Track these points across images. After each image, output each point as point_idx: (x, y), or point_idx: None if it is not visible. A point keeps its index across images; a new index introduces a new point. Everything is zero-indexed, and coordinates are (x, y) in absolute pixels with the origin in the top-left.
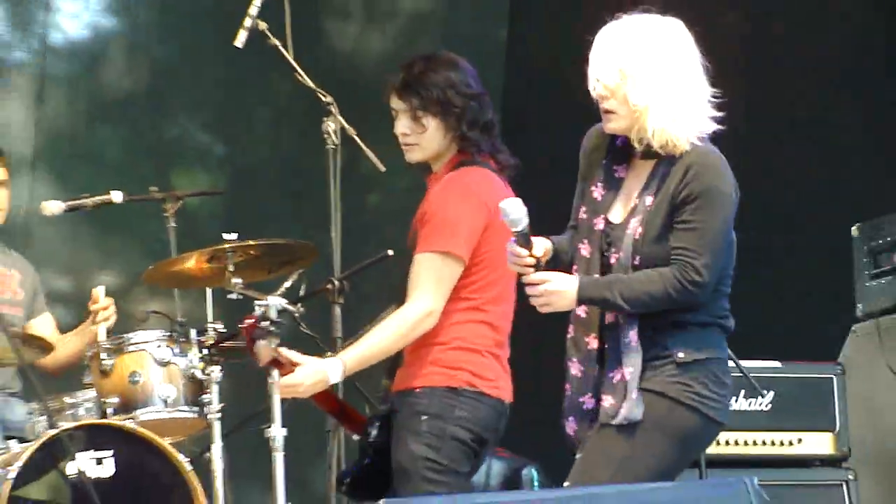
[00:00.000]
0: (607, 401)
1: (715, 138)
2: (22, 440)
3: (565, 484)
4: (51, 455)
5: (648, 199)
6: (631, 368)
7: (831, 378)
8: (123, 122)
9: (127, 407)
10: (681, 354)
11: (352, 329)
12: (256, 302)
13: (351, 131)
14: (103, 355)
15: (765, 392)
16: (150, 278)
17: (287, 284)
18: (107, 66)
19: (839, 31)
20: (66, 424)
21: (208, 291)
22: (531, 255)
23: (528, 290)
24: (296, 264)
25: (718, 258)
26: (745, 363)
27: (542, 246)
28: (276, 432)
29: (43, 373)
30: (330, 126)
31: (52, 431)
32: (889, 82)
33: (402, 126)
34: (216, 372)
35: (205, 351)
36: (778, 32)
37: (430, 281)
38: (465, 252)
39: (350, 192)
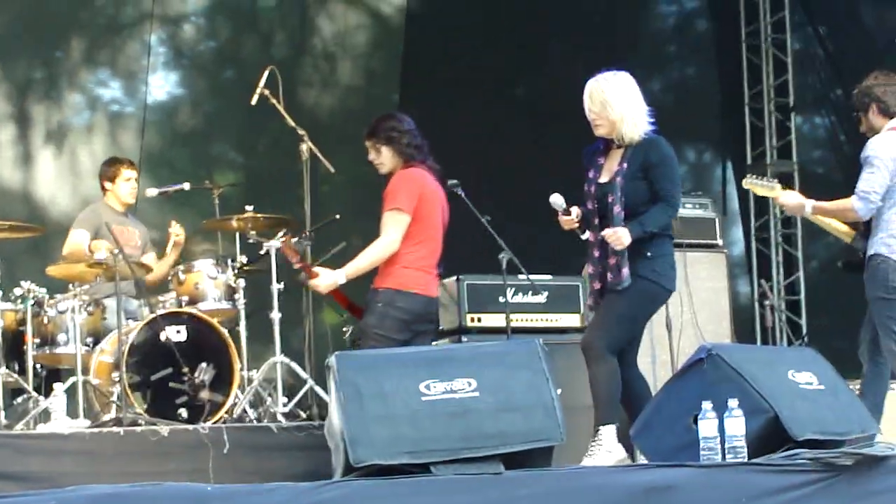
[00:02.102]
0: (611, 276)
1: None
2: (135, 320)
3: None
4: (151, 329)
5: (625, 166)
6: (619, 257)
7: (578, 285)
8: (189, 146)
9: (193, 302)
10: (649, 253)
11: (316, 256)
12: (264, 244)
13: (315, 150)
14: (180, 273)
15: (543, 291)
16: (206, 227)
17: (280, 235)
18: (179, 114)
19: None
20: (159, 311)
21: (237, 237)
22: (572, 220)
23: (609, 239)
24: (284, 225)
25: (679, 188)
26: (533, 276)
27: (576, 211)
28: (275, 315)
29: (149, 285)
30: (303, 147)
31: (152, 315)
32: None
33: (371, 155)
34: (242, 283)
35: (235, 271)
36: None
37: (390, 226)
38: (406, 207)
39: (313, 184)
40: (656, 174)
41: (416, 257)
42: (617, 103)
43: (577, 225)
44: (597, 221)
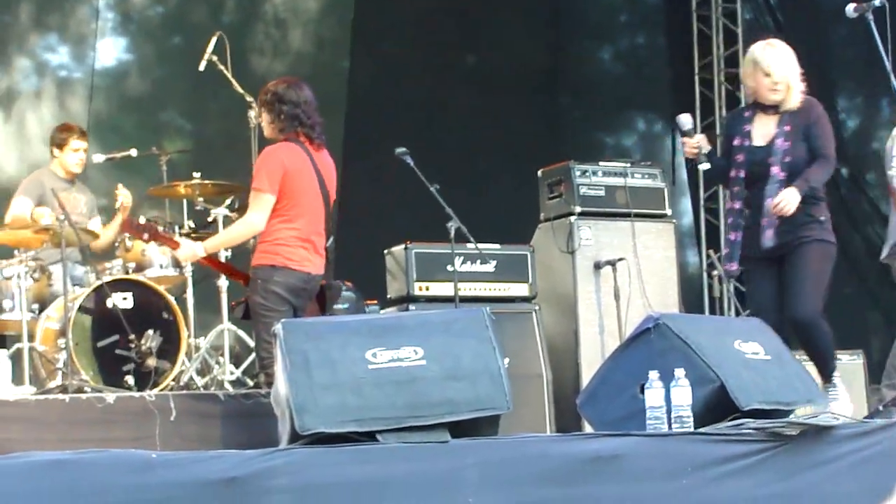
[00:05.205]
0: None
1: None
2: (81, 287)
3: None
4: (98, 295)
5: (787, 128)
6: (770, 218)
7: (527, 254)
8: (138, 112)
9: (140, 269)
10: (822, 218)
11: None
12: (212, 210)
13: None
14: (127, 240)
15: (490, 261)
16: (153, 194)
17: (228, 202)
18: (128, 80)
19: None
20: (106, 278)
21: (184, 204)
22: (693, 144)
23: (780, 208)
24: (233, 191)
25: (834, 145)
26: (481, 245)
27: (700, 138)
28: (222, 283)
29: (95, 252)
30: (252, 113)
31: (98, 282)
32: None
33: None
34: None
35: (183, 238)
36: None
37: (252, 206)
38: (267, 188)
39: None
40: (815, 132)
41: (291, 234)
42: (795, 71)
43: (696, 152)
44: (745, 187)
